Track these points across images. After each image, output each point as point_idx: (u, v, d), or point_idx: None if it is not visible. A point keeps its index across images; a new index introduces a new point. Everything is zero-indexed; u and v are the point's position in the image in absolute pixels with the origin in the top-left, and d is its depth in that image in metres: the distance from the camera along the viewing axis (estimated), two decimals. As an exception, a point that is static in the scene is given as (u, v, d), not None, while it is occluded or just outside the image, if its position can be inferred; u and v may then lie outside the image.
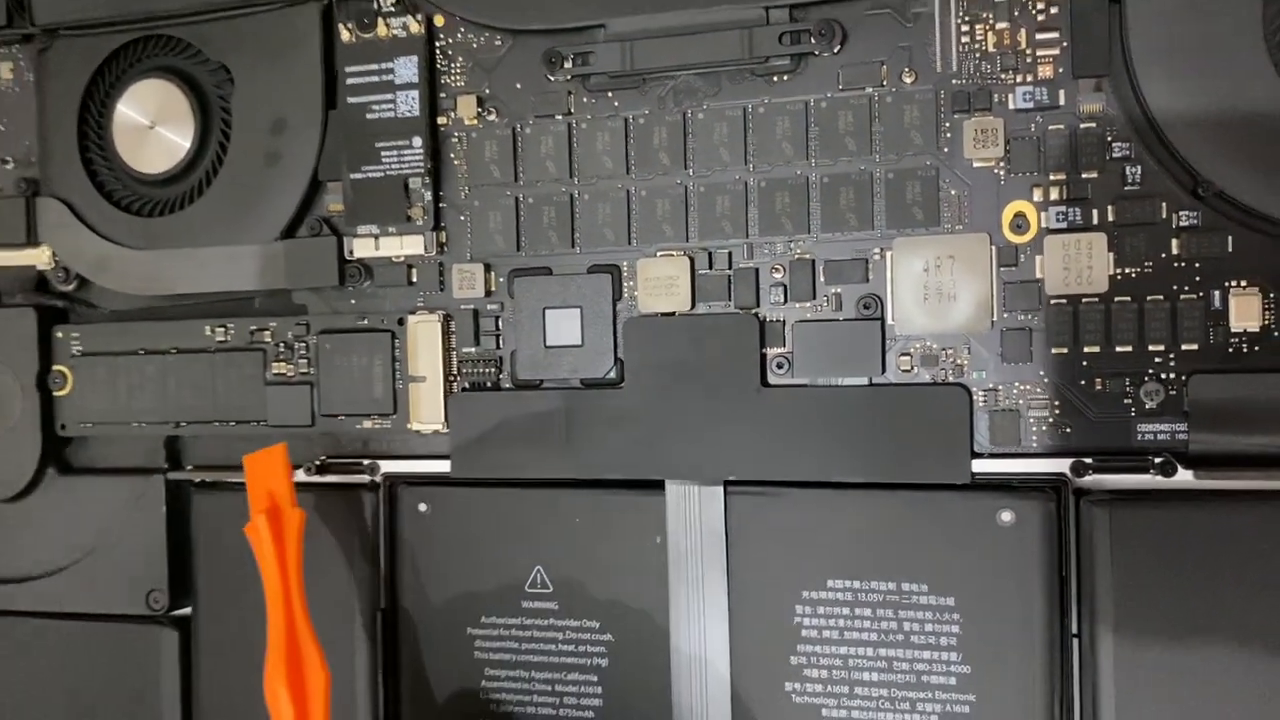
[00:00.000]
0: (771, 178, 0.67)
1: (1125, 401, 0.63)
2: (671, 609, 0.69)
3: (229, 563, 0.75)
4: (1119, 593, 0.62)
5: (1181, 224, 0.62)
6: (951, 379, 0.65)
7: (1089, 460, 0.63)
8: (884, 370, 0.66)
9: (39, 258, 0.80)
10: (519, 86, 0.71)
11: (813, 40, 0.66)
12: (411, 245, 0.72)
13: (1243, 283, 0.62)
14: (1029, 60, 0.64)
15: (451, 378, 0.73)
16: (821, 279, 0.67)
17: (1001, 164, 0.64)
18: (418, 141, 0.72)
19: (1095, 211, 0.63)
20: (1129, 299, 0.63)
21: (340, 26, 0.73)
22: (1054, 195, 0.64)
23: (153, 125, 0.77)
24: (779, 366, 0.68)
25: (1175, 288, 0.62)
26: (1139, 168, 0.63)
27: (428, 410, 0.73)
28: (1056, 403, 0.64)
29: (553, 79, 0.70)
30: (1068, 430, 0.64)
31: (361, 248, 0.73)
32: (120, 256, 0.78)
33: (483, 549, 0.72)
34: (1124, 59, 0.62)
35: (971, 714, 0.64)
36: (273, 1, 0.74)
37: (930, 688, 0.65)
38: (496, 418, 0.71)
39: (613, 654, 0.70)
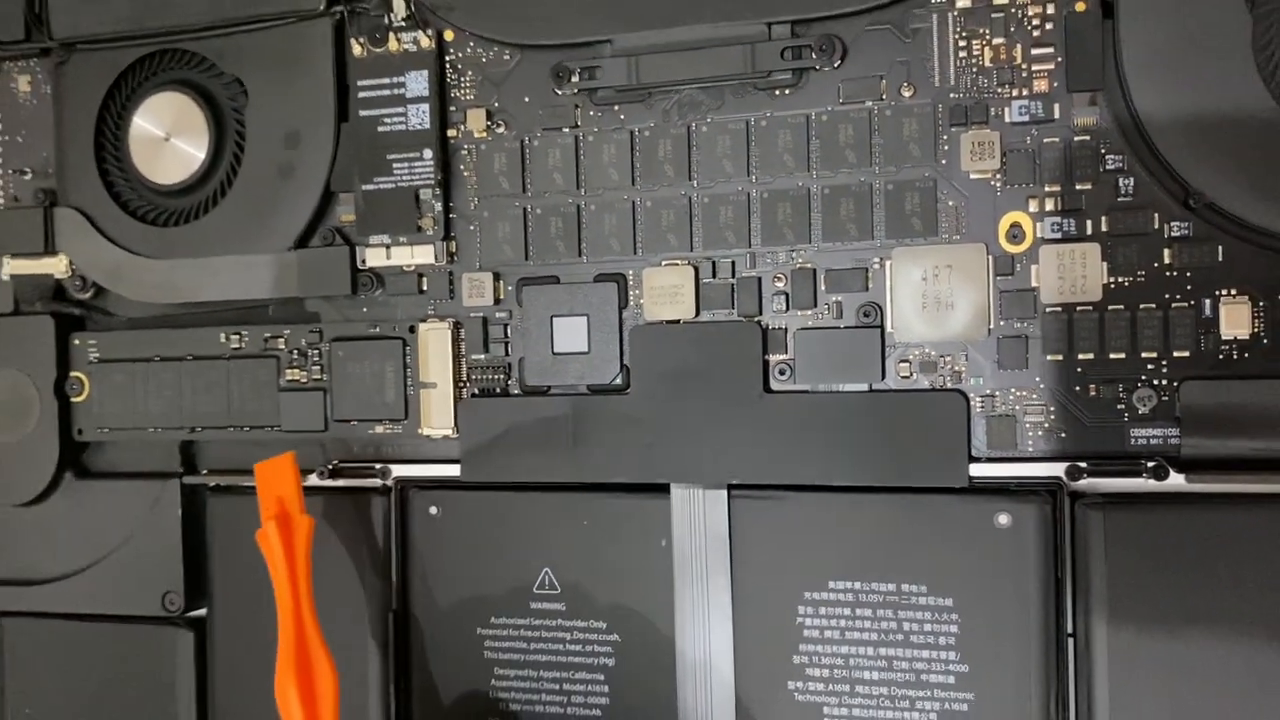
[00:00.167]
0: (773, 189, 0.69)
1: (1119, 407, 0.64)
2: (676, 610, 0.70)
3: (243, 565, 0.76)
4: (1113, 593, 0.63)
5: (1173, 234, 0.64)
6: (949, 385, 0.67)
7: (1084, 464, 0.64)
8: (884, 377, 0.67)
9: (57, 266, 0.81)
10: (527, 100, 0.73)
11: (814, 55, 0.67)
12: (422, 255, 0.74)
13: (1233, 291, 0.63)
14: (1024, 75, 0.65)
15: (461, 384, 0.74)
16: (822, 287, 0.68)
17: (998, 176, 0.66)
18: (428, 154, 0.73)
19: (1089, 222, 0.64)
20: (1122, 307, 0.64)
21: (352, 41, 0.74)
22: (1049, 206, 0.65)
23: (168, 137, 0.78)
24: (781, 373, 0.69)
25: (1167, 296, 0.64)
26: (1132, 179, 0.64)
27: (438, 416, 0.74)
28: (1052, 408, 0.65)
29: (560, 93, 0.72)
30: (1063, 435, 0.65)
31: (373, 257, 0.75)
32: (136, 265, 0.80)
33: (492, 551, 0.74)
34: (1117, 73, 0.63)
35: (970, 712, 0.66)
36: (286, 16, 0.75)
37: (929, 686, 0.66)
38: (505, 423, 0.73)
39: (619, 654, 0.72)
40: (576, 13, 0.70)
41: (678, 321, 0.70)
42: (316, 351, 0.77)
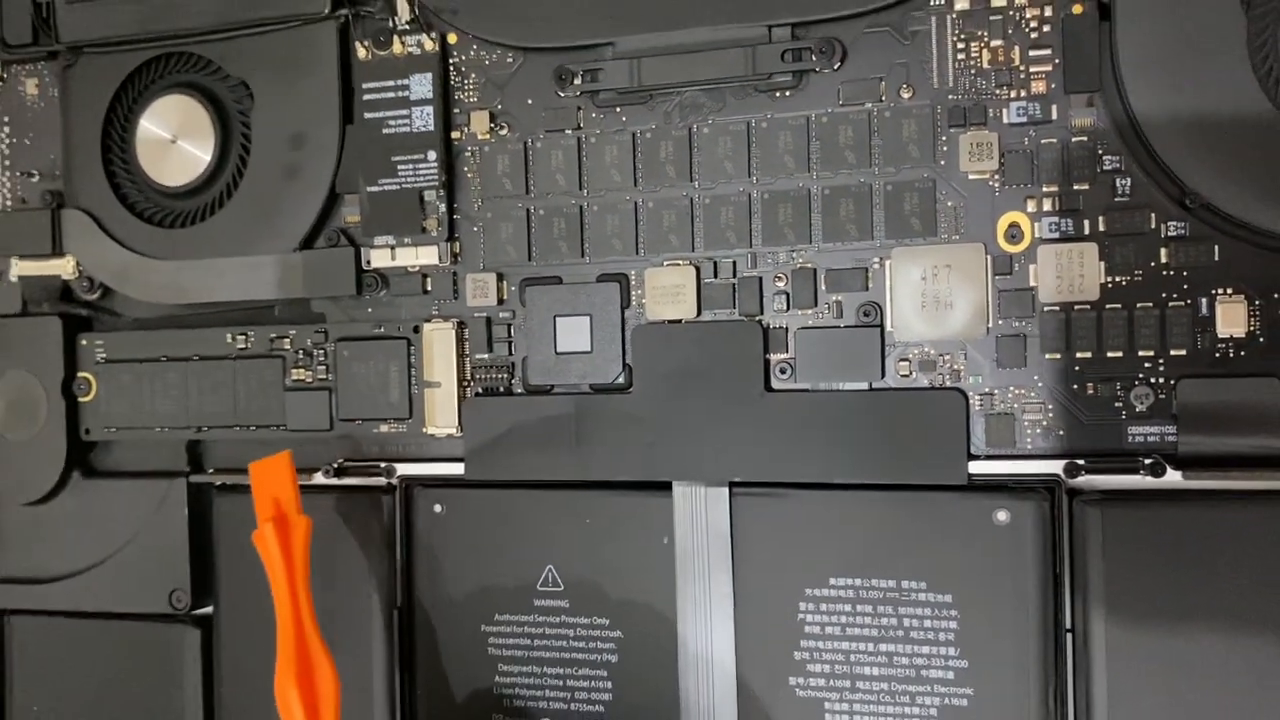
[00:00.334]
0: (774, 190, 0.69)
1: (1116, 405, 0.65)
2: (679, 606, 0.71)
3: (249, 563, 0.76)
4: (1111, 589, 0.63)
5: (1170, 234, 0.64)
6: (949, 384, 0.67)
7: (1081, 462, 0.65)
8: (883, 375, 0.68)
9: (64, 268, 0.82)
10: (530, 102, 0.73)
11: (814, 58, 0.68)
12: (426, 255, 0.74)
13: (1229, 290, 0.63)
14: (1022, 76, 0.66)
15: (465, 383, 0.75)
16: (823, 287, 0.69)
17: (996, 176, 0.66)
18: (432, 155, 0.74)
19: (1087, 222, 0.65)
20: (1119, 306, 0.65)
21: (357, 44, 0.75)
22: (1047, 206, 0.66)
23: (174, 139, 0.79)
24: (782, 372, 0.70)
25: (1164, 295, 0.64)
26: (1129, 180, 0.65)
27: (442, 415, 0.75)
28: (1050, 406, 0.66)
29: (563, 95, 0.72)
30: (1061, 433, 0.66)
31: (378, 258, 0.75)
32: (143, 266, 0.80)
33: (496, 549, 0.74)
34: (1114, 75, 0.64)
35: (969, 707, 0.66)
36: (291, 20, 0.76)
37: (929, 681, 0.67)
38: (509, 422, 0.73)
39: (622, 650, 0.72)
40: (579, 15, 0.71)
41: (679, 321, 0.71)
42: (322, 351, 0.78)
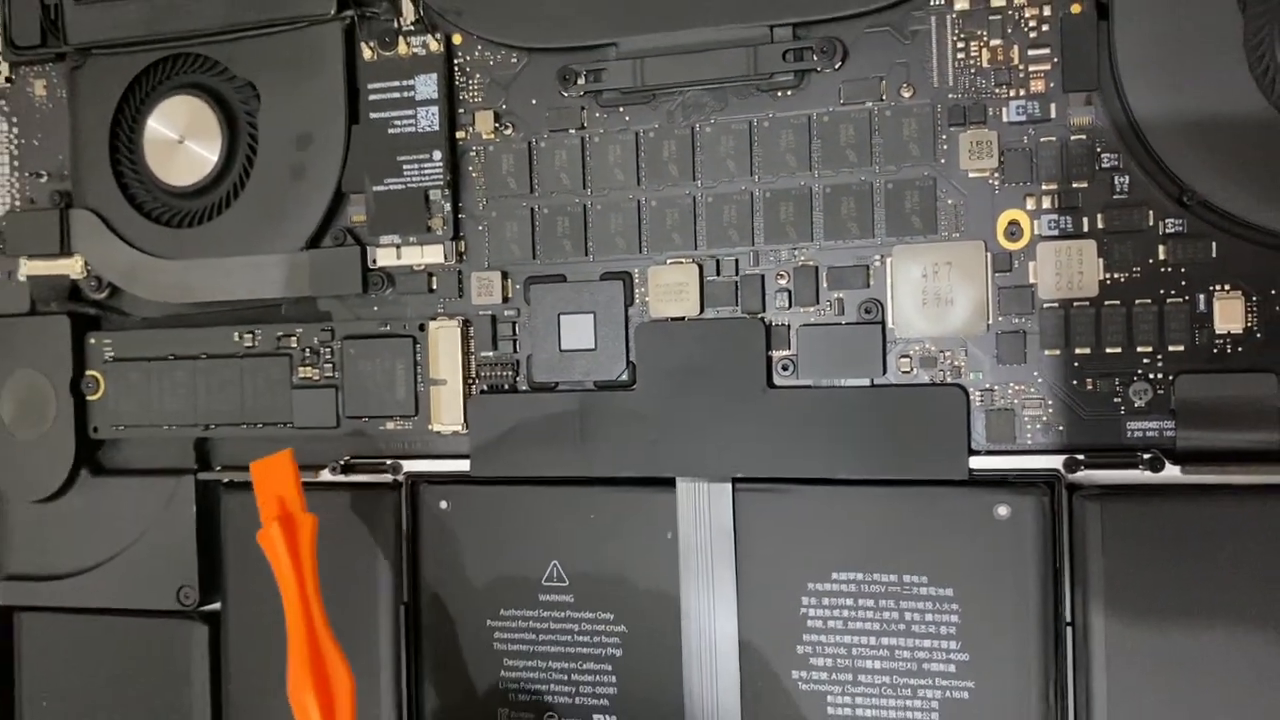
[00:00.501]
0: (776, 188, 0.70)
1: (1115, 400, 0.66)
2: (682, 601, 0.71)
3: (257, 559, 0.76)
4: (1110, 582, 0.64)
5: (1168, 231, 0.65)
6: (949, 380, 0.68)
7: (1081, 457, 0.65)
8: (885, 372, 0.69)
9: (72, 267, 0.83)
10: (534, 102, 0.74)
11: (815, 57, 0.68)
12: (432, 254, 0.75)
13: (1226, 287, 0.64)
14: (1021, 75, 0.66)
15: (470, 381, 0.76)
16: (824, 285, 0.70)
17: (996, 174, 0.67)
18: (437, 155, 0.74)
19: (1085, 219, 0.66)
20: (1118, 303, 0.65)
21: (362, 45, 0.75)
22: (1046, 204, 0.66)
23: (182, 140, 0.80)
24: (784, 368, 0.70)
25: (1162, 292, 0.65)
26: (1127, 177, 0.65)
27: (448, 412, 0.75)
28: (1050, 402, 0.67)
29: (566, 95, 0.73)
30: (1061, 428, 0.66)
31: (384, 257, 0.76)
32: (151, 266, 0.81)
33: (501, 545, 0.75)
34: (1112, 74, 0.64)
35: (970, 700, 0.67)
36: (297, 21, 0.77)
37: (930, 675, 0.67)
38: (514, 419, 0.74)
39: (626, 644, 0.73)
40: (582, 16, 0.72)
41: (683, 318, 0.72)
42: (328, 350, 0.78)
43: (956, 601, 0.67)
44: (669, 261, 0.72)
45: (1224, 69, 0.63)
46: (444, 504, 0.76)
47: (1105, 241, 0.65)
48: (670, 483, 0.72)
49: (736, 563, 0.70)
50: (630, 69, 0.71)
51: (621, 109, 0.72)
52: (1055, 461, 0.66)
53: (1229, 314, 0.64)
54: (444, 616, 0.76)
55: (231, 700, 0.80)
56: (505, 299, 0.75)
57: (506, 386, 0.75)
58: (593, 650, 0.73)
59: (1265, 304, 0.64)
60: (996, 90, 0.67)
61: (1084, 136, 0.66)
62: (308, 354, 0.79)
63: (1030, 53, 0.66)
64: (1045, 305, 0.66)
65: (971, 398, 0.67)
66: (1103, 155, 0.65)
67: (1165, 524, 0.64)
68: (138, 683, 0.82)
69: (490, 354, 0.75)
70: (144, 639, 0.82)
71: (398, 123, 0.75)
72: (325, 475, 0.78)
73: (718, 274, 0.71)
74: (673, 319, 0.72)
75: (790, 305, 0.70)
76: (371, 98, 0.76)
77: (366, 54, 0.76)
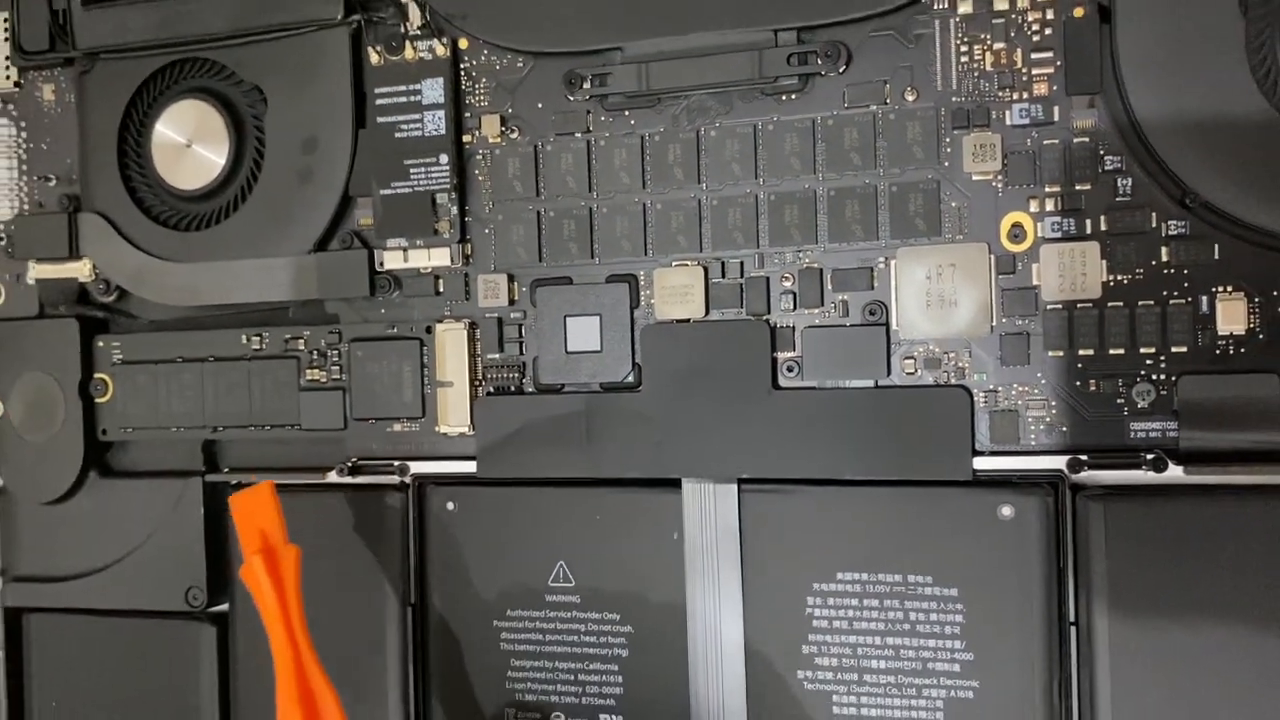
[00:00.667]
0: (781, 191, 0.70)
1: (1118, 401, 0.66)
2: (688, 601, 0.72)
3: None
4: (1114, 582, 0.64)
5: (1170, 233, 0.65)
6: (953, 381, 0.68)
7: (1084, 457, 0.65)
8: (889, 373, 0.69)
9: (81, 270, 0.83)
10: (540, 106, 0.74)
11: (819, 61, 0.69)
12: (439, 257, 0.75)
13: (1229, 288, 0.64)
14: (1025, 78, 0.67)
15: (477, 383, 0.76)
16: (829, 287, 0.70)
17: (999, 177, 0.67)
18: (444, 159, 0.75)
19: (1089, 221, 0.66)
20: (1121, 304, 0.65)
21: (369, 50, 0.76)
22: (1049, 206, 0.67)
23: (189, 144, 0.80)
24: (789, 370, 0.71)
25: (1165, 293, 0.65)
26: (1130, 180, 0.65)
27: (455, 414, 0.76)
28: (1053, 403, 0.67)
29: (572, 99, 0.73)
30: (1064, 429, 0.67)
31: (391, 260, 0.76)
32: (159, 269, 0.81)
33: (508, 545, 0.75)
34: (1115, 77, 0.65)
35: (974, 699, 0.67)
36: (304, 26, 0.77)
37: (935, 674, 0.68)
38: (520, 420, 0.74)
39: (632, 645, 0.73)
40: (588, 21, 0.72)
41: (688, 320, 0.72)
42: (336, 352, 0.79)
43: (961, 601, 0.67)
44: (674, 264, 0.73)
45: (1225, 71, 0.63)
46: (451, 505, 0.76)
47: (1108, 243, 0.66)
48: (676, 484, 0.72)
49: (742, 563, 0.71)
50: (635, 73, 0.71)
51: (627, 113, 0.73)
52: (1059, 462, 0.66)
53: (1231, 315, 0.64)
54: (451, 617, 0.76)
55: (239, 701, 0.80)
56: (512, 301, 0.76)
57: (513, 388, 0.76)
58: (599, 651, 0.74)
59: (1267, 305, 0.64)
60: (1000, 93, 0.67)
61: (1087, 139, 0.66)
62: (315, 356, 0.79)
63: (1033, 56, 0.66)
64: (1048, 307, 0.67)
65: (975, 399, 0.68)
66: (1105, 158, 0.66)
67: (1168, 524, 0.64)
68: (146, 683, 0.83)
69: (497, 356, 0.76)
70: (153, 640, 0.82)
71: (404, 127, 0.76)
72: (333, 477, 0.78)
73: (723, 276, 0.72)
74: (678, 321, 0.72)
75: (795, 307, 0.70)
76: (378, 102, 0.76)
77: (373, 58, 0.76)
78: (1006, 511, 0.66)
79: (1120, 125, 0.65)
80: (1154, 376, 0.66)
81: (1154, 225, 0.65)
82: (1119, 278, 0.66)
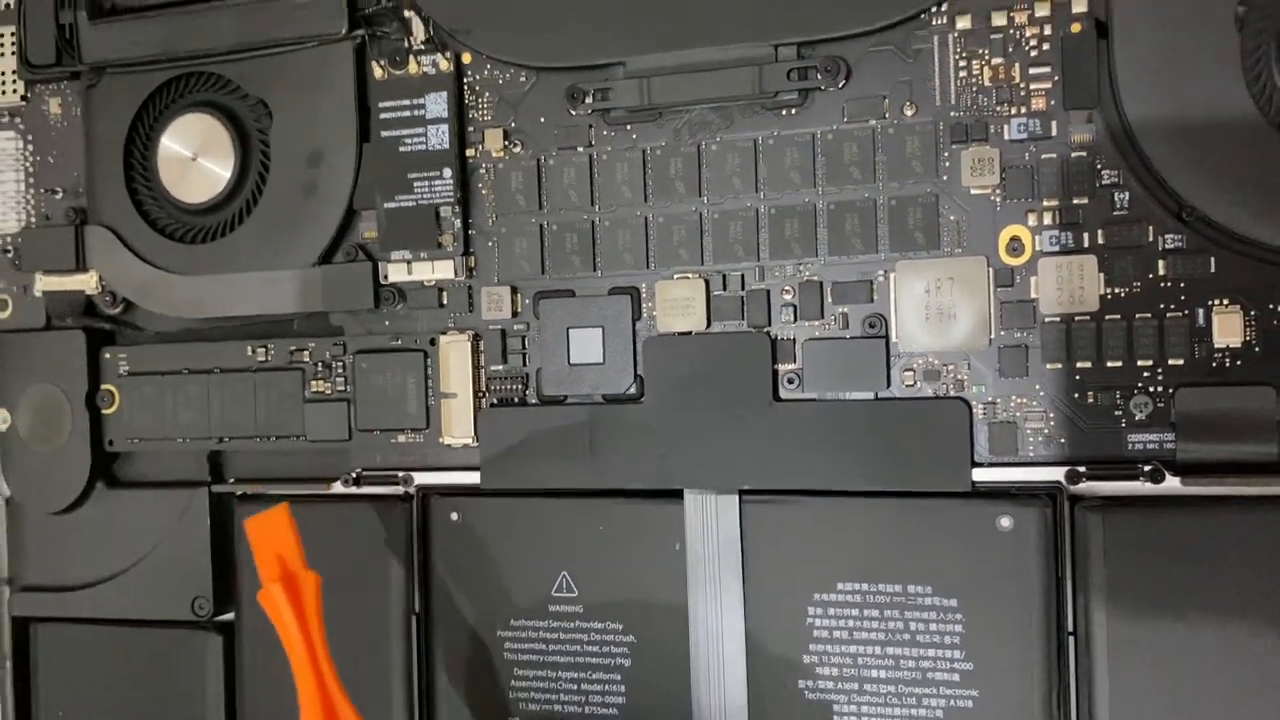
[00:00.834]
0: (781, 205, 0.71)
1: (1116, 413, 0.66)
2: (690, 611, 0.72)
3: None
4: (1112, 592, 0.65)
5: (1167, 246, 0.65)
6: (952, 393, 0.69)
7: (1082, 469, 0.66)
8: (889, 385, 0.70)
9: (87, 283, 0.84)
10: (543, 120, 0.75)
11: (819, 76, 0.69)
12: (442, 270, 0.76)
13: (1225, 301, 0.65)
14: (1023, 93, 0.67)
15: (481, 394, 0.77)
16: (829, 299, 0.70)
17: (997, 191, 0.68)
18: (448, 172, 0.75)
19: (1086, 235, 0.66)
20: (1119, 317, 0.66)
21: (373, 64, 0.76)
22: (1047, 220, 0.67)
23: (195, 157, 0.80)
24: (790, 382, 0.71)
25: (1162, 306, 0.66)
26: (1127, 194, 0.66)
27: (458, 425, 0.76)
28: (1052, 415, 0.67)
29: (575, 113, 0.74)
30: (1062, 441, 0.67)
31: (395, 272, 0.77)
32: (165, 281, 0.82)
33: (511, 556, 0.76)
34: (1112, 91, 0.65)
35: (974, 709, 0.68)
36: (308, 40, 0.78)
37: (935, 684, 0.68)
38: (523, 432, 0.75)
39: (635, 654, 0.74)
40: (590, 36, 0.73)
41: (689, 333, 0.73)
42: (340, 364, 0.79)
43: (960, 611, 0.68)
44: (676, 277, 0.73)
45: (1222, 87, 0.64)
46: (455, 516, 0.77)
47: (1106, 257, 0.66)
48: (678, 494, 0.72)
49: (743, 573, 0.71)
50: (637, 88, 0.72)
51: (629, 127, 0.73)
52: (1057, 473, 0.67)
53: (1227, 328, 0.64)
54: (455, 627, 0.77)
55: (245, 709, 0.81)
56: (515, 314, 0.76)
57: (516, 400, 0.76)
58: (602, 660, 0.74)
59: (1263, 318, 0.65)
60: (998, 108, 0.68)
61: (1084, 153, 0.66)
62: (320, 368, 0.80)
63: (1031, 71, 0.67)
64: (1046, 319, 0.67)
65: (974, 411, 0.68)
66: (1103, 172, 0.66)
67: (1165, 534, 0.65)
68: (153, 692, 0.83)
69: (500, 368, 0.76)
70: (159, 649, 0.83)
71: (408, 141, 0.76)
72: (338, 487, 0.79)
73: (724, 289, 0.72)
74: (680, 333, 0.73)
75: (795, 320, 0.71)
76: (382, 116, 0.77)
77: (377, 73, 0.77)
78: (1005, 522, 0.67)
79: (1117, 139, 0.66)
80: (1151, 389, 0.66)
81: (1151, 239, 0.66)
82: (1116, 291, 0.66)
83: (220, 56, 0.80)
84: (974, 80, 0.68)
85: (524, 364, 0.76)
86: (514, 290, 0.76)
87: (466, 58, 0.76)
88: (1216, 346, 0.65)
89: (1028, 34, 0.67)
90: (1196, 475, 0.65)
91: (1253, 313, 0.65)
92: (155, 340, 0.85)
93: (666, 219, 0.73)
